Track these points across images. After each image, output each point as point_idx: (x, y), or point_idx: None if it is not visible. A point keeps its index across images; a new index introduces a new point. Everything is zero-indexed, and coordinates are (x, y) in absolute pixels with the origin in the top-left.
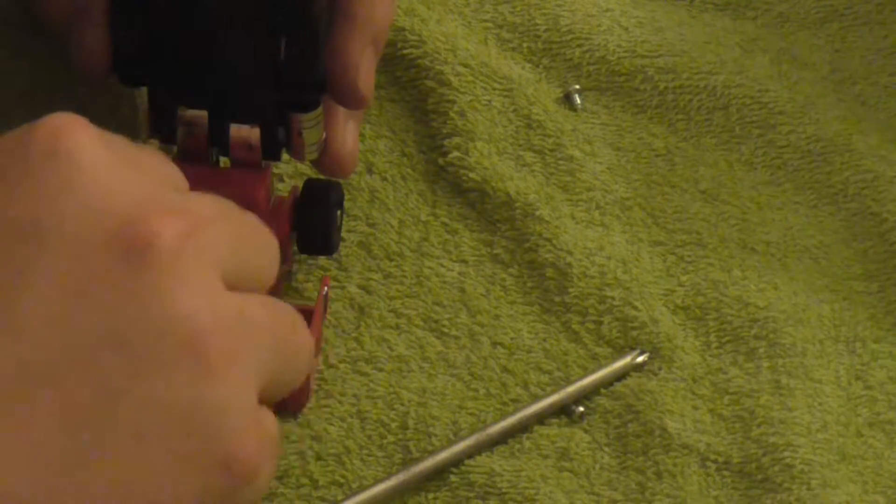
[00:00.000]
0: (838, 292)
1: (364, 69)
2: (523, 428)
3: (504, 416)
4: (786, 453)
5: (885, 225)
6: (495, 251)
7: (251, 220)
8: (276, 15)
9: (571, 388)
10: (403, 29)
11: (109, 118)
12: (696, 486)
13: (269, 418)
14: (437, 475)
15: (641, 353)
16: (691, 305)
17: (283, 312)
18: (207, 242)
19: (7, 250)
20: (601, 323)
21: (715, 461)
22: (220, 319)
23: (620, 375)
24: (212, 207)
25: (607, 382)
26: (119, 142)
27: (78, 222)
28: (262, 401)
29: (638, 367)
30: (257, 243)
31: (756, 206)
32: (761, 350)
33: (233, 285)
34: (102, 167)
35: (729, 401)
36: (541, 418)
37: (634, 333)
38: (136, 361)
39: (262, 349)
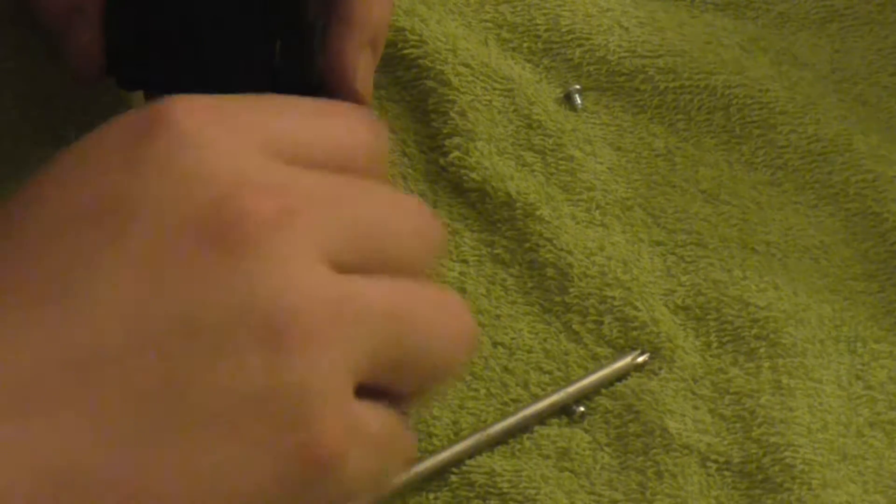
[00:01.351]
0: (839, 292)
1: (361, 71)
2: (524, 428)
3: (504, 416)
4: (786, 453)
5: (885, 225)
6: (496, 251)
7: (391, 198)
8: (271, 18)
9: (572, 389)
10: (403, 29)
11: (110, 118)
12: (696, 486)
13: (369, 412)
14: (438, 475)
15: (642, 353)
16: (692, 305)
17: (427, 299)
18: (307, 222)
19: (86, 231)
20: (602, 323)
21: (715, 461)
22: (310, 300)
23: (621, 376)
24: (323, 184)
25: (608, 382)
26: (228, 105)
27: (165, 203)
28: (377, 393)
29: (638, 368)
30: (394, 224)
31: (756, 206)
32: (762, 350)
33: (350, 270)
34: (200, 142)
35: (729, 401)
36: (541, 418)
37: (635, 333)
38: (206, 350)
39: (371, 336)
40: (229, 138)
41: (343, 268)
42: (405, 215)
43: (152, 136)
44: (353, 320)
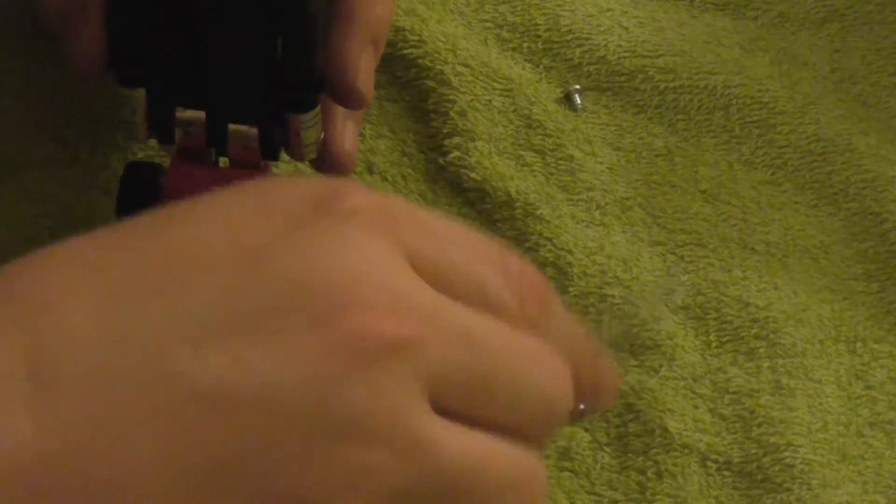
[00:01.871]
0: (838, 292)
1: (363, 69)
2: None
3: None
4: (786, 453)
5: (885, 225)
6: None
7: (528, 352)
8: (272, 15)
9: None
10: (403, 29)
11: (110, 118)
12: (696, 485)
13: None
14: None
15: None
16: (691, 305)
17: (510, 473)
18: (422, 355)
19: (223, 265)
20: (601, 322)
21: (715, 461)
22: (389, 428)
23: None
24: (456, 315)
25: None
26: (397, 205)
27: (292, 273)
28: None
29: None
30: (521, 383)
31: (756, 206)
32: (761, 350)
33: (453, 412)
34: (355, 236)
35: (729, 400)
36: None
37: (635, 332)
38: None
39: (428, 486)
40: (384, 239)
41: (446, 408)
42: (537, 376)
43: (321, 214)
44: (421, 466)
